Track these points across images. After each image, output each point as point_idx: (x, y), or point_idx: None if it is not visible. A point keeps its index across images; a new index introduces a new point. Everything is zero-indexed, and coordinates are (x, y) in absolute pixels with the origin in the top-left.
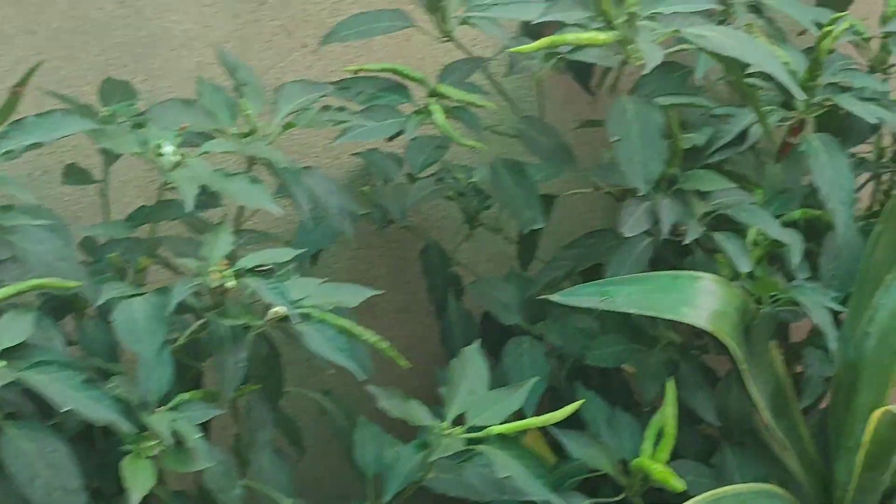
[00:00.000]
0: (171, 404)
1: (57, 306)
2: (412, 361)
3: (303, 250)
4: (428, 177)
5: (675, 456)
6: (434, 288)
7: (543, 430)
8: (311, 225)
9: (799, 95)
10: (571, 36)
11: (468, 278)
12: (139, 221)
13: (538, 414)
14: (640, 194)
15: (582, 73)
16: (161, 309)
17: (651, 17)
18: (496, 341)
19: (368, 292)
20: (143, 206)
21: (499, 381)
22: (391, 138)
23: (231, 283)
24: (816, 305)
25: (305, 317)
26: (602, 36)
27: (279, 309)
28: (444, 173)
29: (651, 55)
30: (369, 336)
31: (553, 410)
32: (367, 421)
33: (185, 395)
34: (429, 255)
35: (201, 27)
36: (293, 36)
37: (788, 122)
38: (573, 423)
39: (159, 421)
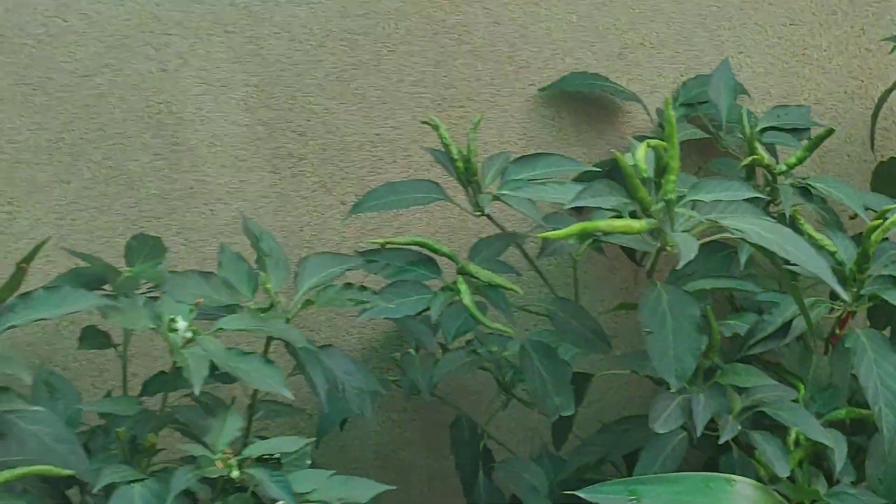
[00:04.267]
0: None
1: (56, 481)
2: None
3: (311, 440)
4: (460, 348)
5: None
6: (463, 464)
7: None
8: (326, 408)
9: (843, 295)
10: (604, 223)
11: (501, 454)
12: (154, 390)
13: None
14: (673, 391)
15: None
16: (161, 499)
17: (690, 205)
18: None
19: (380, 487)
20: (161, 372)
21: None
22: (418, 314)
23: (235, 474)
24: None
25: None
26: (637, 224)
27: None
28: (477, 344)
29: (686, 248)
30: None
31: None
32: None
33: None
34: (459, 429)
35: (238, 181)
36: (332, 193)
37: (836, 315)
38: None
39: None
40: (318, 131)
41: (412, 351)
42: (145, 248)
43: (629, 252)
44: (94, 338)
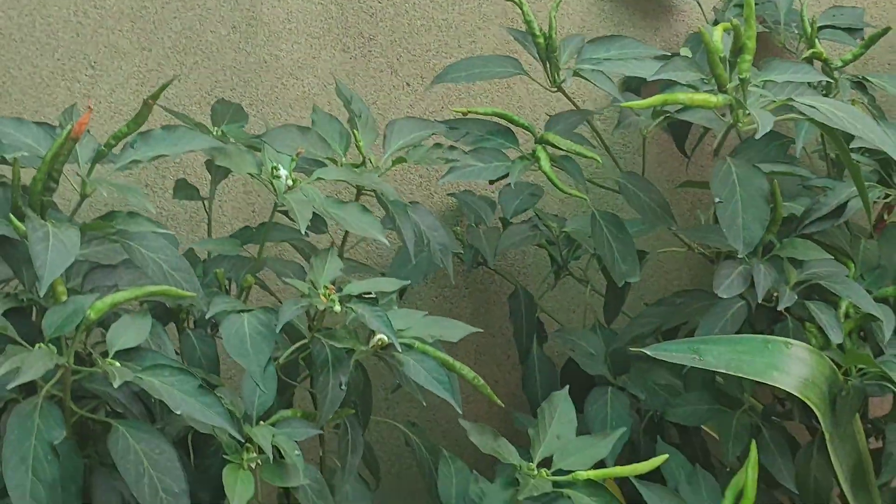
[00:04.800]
0: (271, 420)
1: (158, 315)
2: (487, 404)
3: (407, 282)
4: (520, 223)
5: None
6: (519, 332)
7: (618, 481)
8: (410, 259)
9: None
10: (684, 95)
11: (551, 327)
12: (245, 240)
13: (617, 465)
14: (738, 257)
15: (679, 134)
16: (269, 326)
17: (761, 85)
18: (575, 390)
19: (469, 329)
20: (246, 226)
21: (580, 428)
22: (494, 181)
23: (338, 308)
24: None
25: (408, 347)
26: (715, 98)
27: (383, 337)
28: (536, 221)
29: (764, 121)
30: (467, 372)
31: (629, 463)
32: (452, 455)
33: (286, 412)
34: (517, 299)
35: (310, 58)
36: (398, 74)
37: (885, 200)
38: (652, 477)
39: (262, 434)
40: (388, 13)
41: (474, 225)
42: (229, 112)
43: (679, 142)
44: (185, 189)
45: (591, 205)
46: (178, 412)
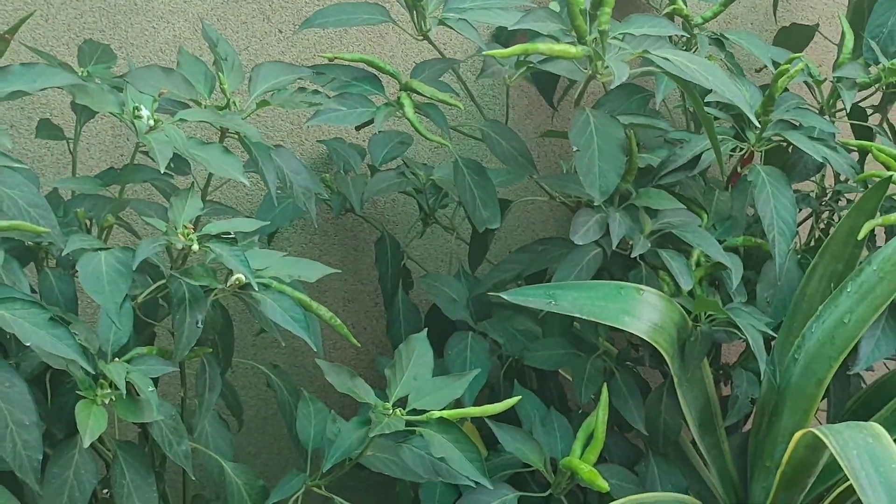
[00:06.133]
0: (127, 356)
1: (18, 255)
2: (354, 351)
3: (266, 223)
4: (387, 170)
5: (602, 460)
6: (385, 278)
7: (478, 425)
8: (275, 203)
9: (755, 122)
10: (545, 45)
11: (417, 274)
12: (108, 181)
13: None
14: (595, 205)
15: (546, 86)
16: (126, 264)
17: (620, 38)
18: (439, 336)
19: (327, 270)
20: (111, 167)
21: (441, 372)
22: (360, 127)
23: (196, 247)
24: (751, 328)
25: (265, 286)
26: (574, 49)
27: (241, 276)
28: (404, 168)
29: (620, 71)
30: (324, 312)
31: None
32: (312, 396)
33: (142, 350)
34: (383, 245)
35: (181, 1)
36: (270, 21)
37: (739, 154)
38: (508, 419)
39: (116, 370)
40: None
41: (342, 172)
42: (96, 52)
43: (546, 94)
44: (49, 129)
45: (453, 151)
46: (28, 344)
